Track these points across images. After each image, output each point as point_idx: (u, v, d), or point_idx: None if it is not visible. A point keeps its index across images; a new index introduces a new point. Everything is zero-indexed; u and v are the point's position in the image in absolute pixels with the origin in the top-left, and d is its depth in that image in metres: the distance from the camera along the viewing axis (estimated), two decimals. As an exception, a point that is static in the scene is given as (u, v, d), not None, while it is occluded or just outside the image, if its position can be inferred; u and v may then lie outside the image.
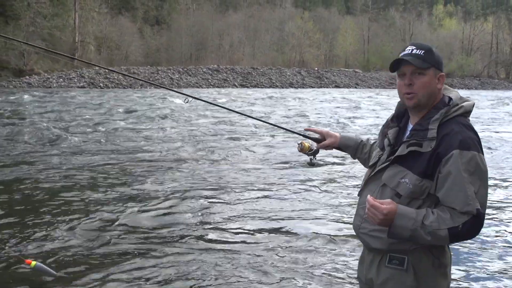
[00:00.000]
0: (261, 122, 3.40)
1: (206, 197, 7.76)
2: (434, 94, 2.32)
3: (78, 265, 5.08)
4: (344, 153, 2.96)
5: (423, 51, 2.29)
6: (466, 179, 2.12)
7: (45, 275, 2.81)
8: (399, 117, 2.48)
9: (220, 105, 3.69)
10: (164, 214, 6.86)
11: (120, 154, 11.22)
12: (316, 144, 2.93)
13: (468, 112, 2.31)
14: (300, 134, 3.04)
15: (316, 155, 2.99)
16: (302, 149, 2.94)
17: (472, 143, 2.18)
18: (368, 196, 2.22)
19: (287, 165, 10.35)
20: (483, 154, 2.21)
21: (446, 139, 2.19)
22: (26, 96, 26.67)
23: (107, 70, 44.77)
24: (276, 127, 3.43)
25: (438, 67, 2.31)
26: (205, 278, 4.87)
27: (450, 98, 2.32)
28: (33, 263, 2.91)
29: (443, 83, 2.35)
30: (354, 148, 2.82)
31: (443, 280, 2.30)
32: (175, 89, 3.73)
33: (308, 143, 2.96)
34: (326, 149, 2.91)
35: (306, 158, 3.03)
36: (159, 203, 7.34)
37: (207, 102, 3.73)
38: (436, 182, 2.19)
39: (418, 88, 2.29)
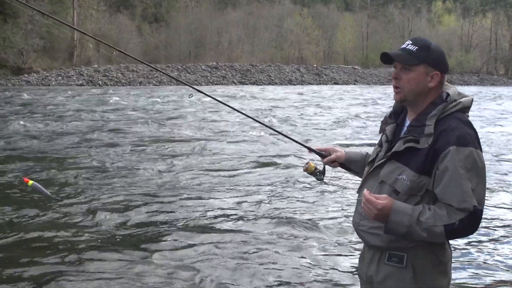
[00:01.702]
0: (267, 128, 3.30)
1: (202, 196, 7.78)
2: (424, 92, 2.29)
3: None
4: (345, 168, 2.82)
5: (416, 47, 2.27)
6: (463, 176, 2.11)
7: (41, 195, 3.11)
8: (397, 113, 2.46)
9: (230, 105, 3.57)
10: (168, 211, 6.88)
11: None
12: (322, 161, 2.83)
13: (466, 107, 2.29)
14: (305, 146, 2.97)
15: (324, 176, 2.87)
16: (307, 169, 2.85)
17: (470, 139, 2.16)
18: (365, 191, 2.22)
19: (285, 164, 10.35)
20: (481, 150, 2.20)
21: (443, 135, 2.17)
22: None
23: (105, 68, 44.73)
24: (284, 136, 3.32)
25: (432, 65, 2.27)
26: (204, 277, 4.88)
27: (448, 94, 2.30)
28: (30, 182, 3.19)
29: (439, 82, 2.30)
30: (361, 162, 2.72)
31: (443, 278, 2.29)
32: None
33: (313, 162, 2.88)
34: (331, 165, 2.81)
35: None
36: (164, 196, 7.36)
37: (219, 101, 3.62)
38: (434, 178, 2.18)
39: (404, 84, 2.28)
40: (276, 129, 3.50)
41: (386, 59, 2.34)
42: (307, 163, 2.87)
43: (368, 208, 2.18)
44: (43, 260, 5.16)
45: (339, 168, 2.84)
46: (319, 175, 2.86)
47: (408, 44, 2.31)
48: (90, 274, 4.84)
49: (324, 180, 2.90)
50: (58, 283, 4.64)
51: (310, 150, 2.91)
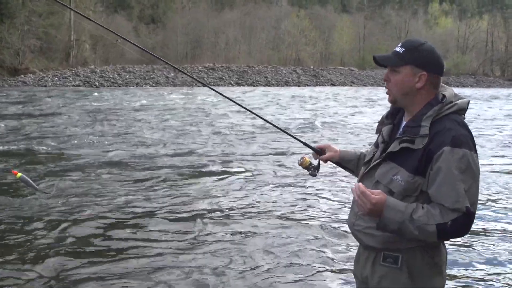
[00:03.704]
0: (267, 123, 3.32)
1: (199, 194, 7.78)
2: (412, 93, 2.30)
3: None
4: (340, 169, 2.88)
5: (404, 49, 2.29)
6: (456, 177, 2.12)
7: (28, 187, 3.10)
8: (394, 115, 2.48)
9: (235, 101, 3.55)
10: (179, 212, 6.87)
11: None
12: (316, 156, 2.88)
13: (462, 109, 2.30)
14: (300, 141, 3.02)
15: (317, 172, 2.91)
16: (301, 163, 2.89)
17: (464, 140, 2.17)
18: (360, 183, 2.22)
19: (280, 164, 10.35)
20: (476, 152, 2.20)
21: (438, 135, 2.18)
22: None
23: (104, 68, 44.69)
24: (281, 131, 3.34)
25: (419, 65, 2.27)
26: (201, 277, 4.88)
27: (444, 96, 2.31)
28: (19, 174, 3.13)
29: (430, 83, 2.29)
30: (355, 162, 2.77)
31: (438, 279, 2.30)
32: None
33: (308, 157, 2.92)
34: (325, 163, 2.87)
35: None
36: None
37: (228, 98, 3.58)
38: (428, 179, 2.19)
39: (392, 85, 2.32)
40: (272, 122, 3.50)
41: (378, 61, 2.37)
42: (302, 158, 2.91)
43: (362, 201, 2.16)
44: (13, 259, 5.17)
45: (335, 168, 2.87)
46: (313, 170, 2.90)
47: (398, 47, 2.34)
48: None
49: (317, 176, 2.93)
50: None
51: (307, 146, 2.96)
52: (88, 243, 5.69)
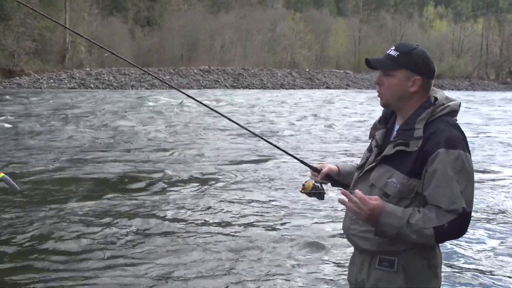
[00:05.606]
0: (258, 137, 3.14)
1: (196, 195, 7.77)
2: (406, 97, 2.31)
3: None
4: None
5: (398, 53, 2.29)
6: (452, 178, 2.13)
7: (10, 188, 3.08)
8: (387, 119, 2.48)
9: (218, 111, 3.26)
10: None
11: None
12: (315, 175, 2.69)
13: (454, 111, 2.31)
14: (298, 159, 2.88)
15: (325, 193, 2.68)
16: (304, 188, 2.68)
17: (458, 141, 2.18)
18: (357, 190, 2.20)
19: (277, 168, 10.35)
20: (469, 153, 2.22)
21: (432, 137, 2.20)
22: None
23: (100, 71, 44.64)
24: (275, 147, 3.09)
25: (414, 70, 2.28)
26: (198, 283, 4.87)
27: (436, 98, 2.32)
28: (1, 174, 3.14)
29: (423, 87, 2.31)
30: (353, 174, 2.61)
31: (434, 281, 2.30)
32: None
33: (312, 182, 2.69)
34: (326, 180, 2.70)
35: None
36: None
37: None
38: (423, 180, 2.20)
39: (385, 89, 2.32)
40: (264, 137, 3.30)
41: (371, 65, 2.37)
42: (305, 182, 2.69)
43: (360, 207, 2.15)
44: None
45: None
46: (321, 189, 2.68)
47: (391, 50, 2.33)
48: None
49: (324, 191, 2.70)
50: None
51: (304, 164, 2.83)
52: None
